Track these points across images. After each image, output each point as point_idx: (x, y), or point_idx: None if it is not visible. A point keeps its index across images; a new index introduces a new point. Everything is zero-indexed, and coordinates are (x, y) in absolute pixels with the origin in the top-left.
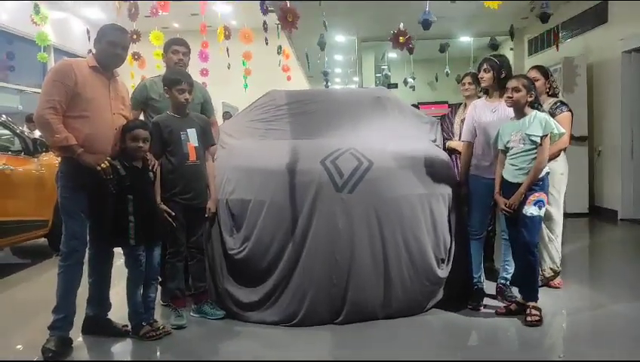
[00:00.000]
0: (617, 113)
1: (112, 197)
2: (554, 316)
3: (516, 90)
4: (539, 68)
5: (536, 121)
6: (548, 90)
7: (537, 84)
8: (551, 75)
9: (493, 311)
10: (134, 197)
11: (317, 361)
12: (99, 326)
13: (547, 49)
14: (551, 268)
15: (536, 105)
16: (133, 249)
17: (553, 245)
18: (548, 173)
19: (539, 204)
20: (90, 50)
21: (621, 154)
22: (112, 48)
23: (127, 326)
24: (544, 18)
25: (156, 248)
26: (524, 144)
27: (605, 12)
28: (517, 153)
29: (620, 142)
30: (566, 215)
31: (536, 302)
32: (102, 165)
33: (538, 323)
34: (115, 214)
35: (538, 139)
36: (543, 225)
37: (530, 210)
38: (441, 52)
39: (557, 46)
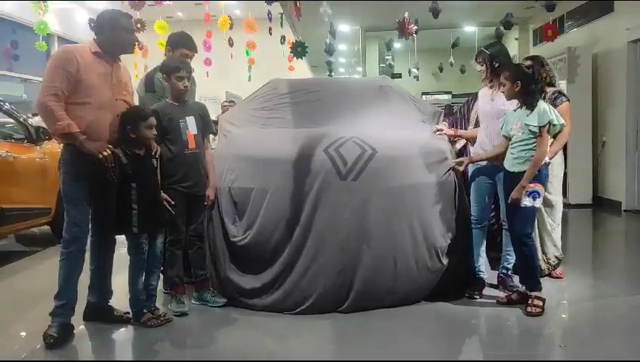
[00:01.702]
0: (622, 103)
1: (115, 185)
2: (556, 306)
3: (502, 85)
4: (533, 58)
5: (535, 111)
6: (544, 79)
7: None
8: (547, 65)
9: (495, 301)
10: (137, 184)
11: (317, 361)
12: (100, 313)
13: None
14: (556, 256)
15: (535, 92)
16: (136, 237)
17: (556, 233)
18: (548, 164)
19: (533, 195)
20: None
21: (626, 144)
22: (123, 34)
23: (128, 313)
24: (550, 8)
25: (159, 236)
26: (522, 133)
27: (611, 2)
28: (516, 142)
29: (624, 133)
30: (569, 205)
31: (539, 291)
32: (103, 153)
33: (539, 313)
34: (118, 202)
35: (535, 130)
36: (545, 214)
37: (524, 201)
38: (453, 47)
39: (552, 38)
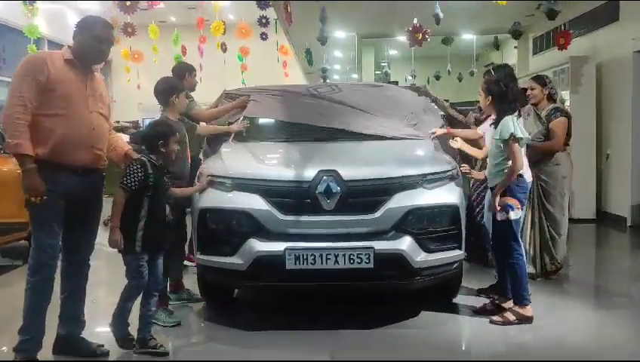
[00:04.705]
0: (627, 115)
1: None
2: (556, 323)
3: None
4: (535, 78)
5: (499, 126)
6: (547, 96)
7: (534, 92)
8: (549, 82)
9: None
10: (151, 199)
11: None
12: (72, 346)
13: (553, 47)
14: (555, 261)
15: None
16: (136, 257)
17: (556, 241)
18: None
19: (506, 208)
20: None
21: (631, 157)
22: (96, 43)
23: (102, 345)
24: (551, 15)
25: (159, 257)
26: (492, 146)
27: (617, 10)
28: (490, 155)
29: (629, 146)
30: (572, 220)
31: (521, 307)
32: (32, 198)
33: (500, 324)
34: (124, 215)
35: (500, 143)
36: (546, 225)
37: (498, 215)
38: (445, 44)
39: (564, 46)
